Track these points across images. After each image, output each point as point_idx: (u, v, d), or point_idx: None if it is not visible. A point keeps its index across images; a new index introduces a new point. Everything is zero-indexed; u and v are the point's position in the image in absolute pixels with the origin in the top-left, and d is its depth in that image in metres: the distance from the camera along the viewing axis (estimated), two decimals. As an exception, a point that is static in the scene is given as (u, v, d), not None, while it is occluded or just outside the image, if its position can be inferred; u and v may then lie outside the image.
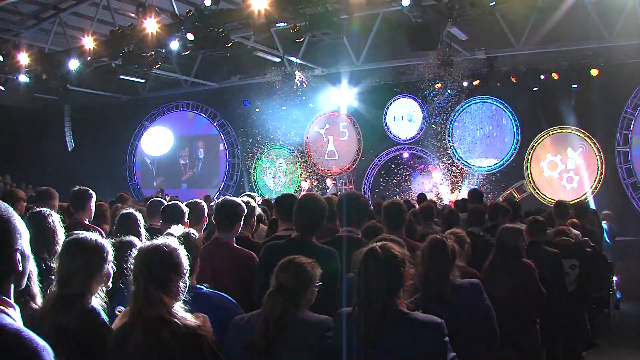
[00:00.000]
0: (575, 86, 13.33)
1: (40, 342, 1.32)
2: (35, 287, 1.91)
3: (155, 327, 2.01)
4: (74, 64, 12.35)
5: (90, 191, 4.64)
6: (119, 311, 2.37)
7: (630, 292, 7.95)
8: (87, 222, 4.49)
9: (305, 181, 15.10)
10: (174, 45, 11.41)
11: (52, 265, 2.41)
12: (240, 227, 3.53)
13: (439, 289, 2.88)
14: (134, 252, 2.90)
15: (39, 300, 2.06)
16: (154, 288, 2.08)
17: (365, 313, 2.27)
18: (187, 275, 2.23)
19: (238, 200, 3.62)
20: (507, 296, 3.64)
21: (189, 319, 2.09)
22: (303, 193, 10.98)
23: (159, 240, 2.23)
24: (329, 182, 15.54)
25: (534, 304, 4.09)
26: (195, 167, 18.60)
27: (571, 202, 7.72)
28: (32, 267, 1.53)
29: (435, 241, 3.01)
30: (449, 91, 14.42)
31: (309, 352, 2.36)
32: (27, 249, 1.46)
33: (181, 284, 2.18)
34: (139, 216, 3.98)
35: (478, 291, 3.00)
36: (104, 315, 2.28)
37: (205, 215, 4.33)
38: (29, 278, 1.57)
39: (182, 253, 2.21)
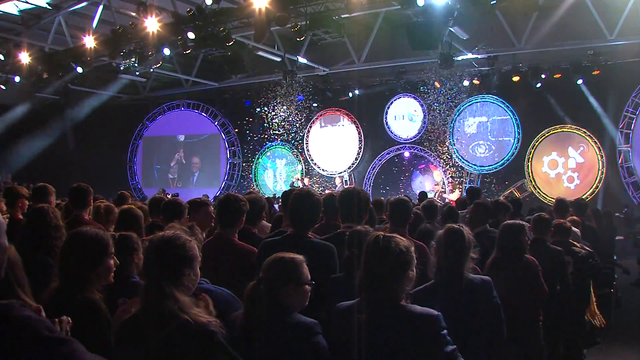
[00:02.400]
0: (579, 83, 13.32)
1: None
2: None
3: (164, 322, 1.92)
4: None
5: (89, 187, 4.65)
6: (121, 302, 2.35)
7: (631, 291, 7.94)
8: (87, 217, 4.50)
9: (299, 180, 14.93)
10: (167, 51, 11.68)
11: (54, 259, 2.41)
12: (242, 223, 3.51)
13: (452, 279, 2.86)
14: (138, 246, 2.91)
15: (28, 290, 1.98)
16: (165, 281, 1.99)
17: (365, 305, 2.26)
18: (198, 267, 2.15)
19: (240, 196, 3.61)
20: (509, 293, 3.61)
21: (200, 314, 1.98)
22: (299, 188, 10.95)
23: (171, 232, 2.15)
24: (337, 180, 15.54)
25: (536, 301, 4.07)
26: (189, 176, 18.54)
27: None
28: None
29: (452, 230, 2.97)
30: (449, 90, 14.42)
31: (289, 355, 2.27)
32: (3, 240, 1.43)
33: (193, 277, 2.11)
34: (140, 212, 3.99)
35: (489, 289, 2.95)
36: (104, 308, 2.27)
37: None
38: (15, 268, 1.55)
39: (194, 245, 2.14)
